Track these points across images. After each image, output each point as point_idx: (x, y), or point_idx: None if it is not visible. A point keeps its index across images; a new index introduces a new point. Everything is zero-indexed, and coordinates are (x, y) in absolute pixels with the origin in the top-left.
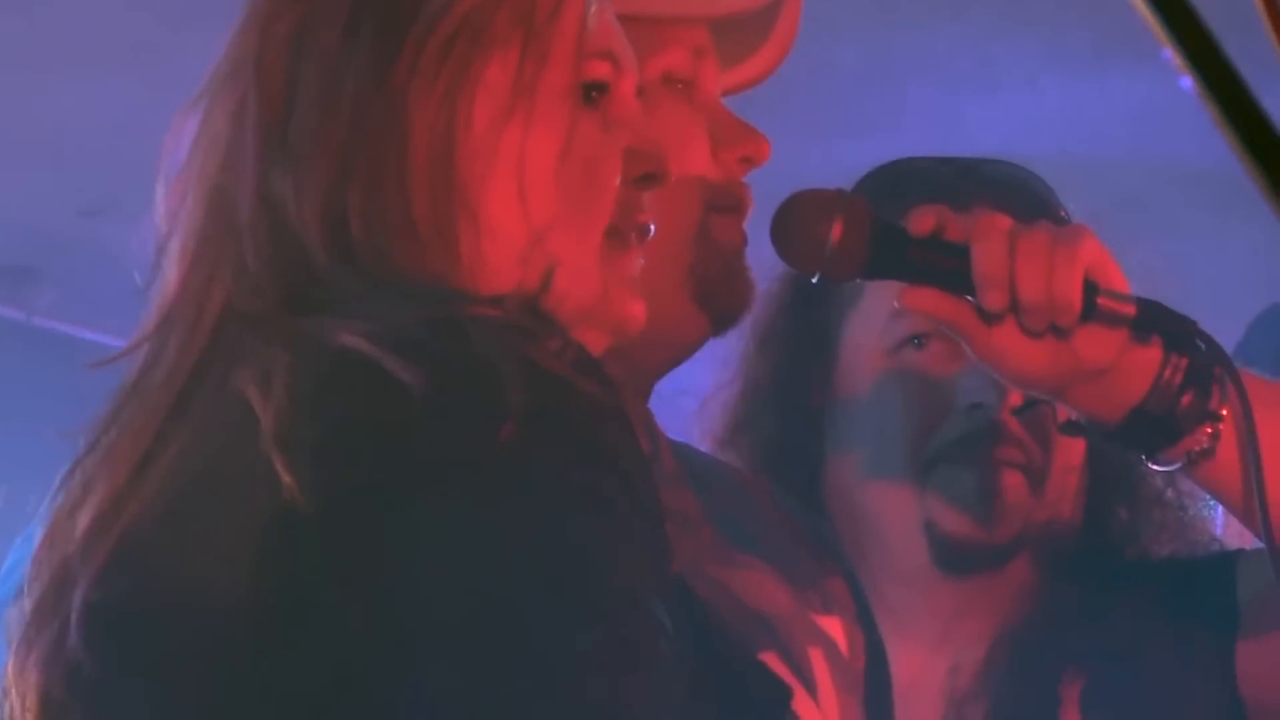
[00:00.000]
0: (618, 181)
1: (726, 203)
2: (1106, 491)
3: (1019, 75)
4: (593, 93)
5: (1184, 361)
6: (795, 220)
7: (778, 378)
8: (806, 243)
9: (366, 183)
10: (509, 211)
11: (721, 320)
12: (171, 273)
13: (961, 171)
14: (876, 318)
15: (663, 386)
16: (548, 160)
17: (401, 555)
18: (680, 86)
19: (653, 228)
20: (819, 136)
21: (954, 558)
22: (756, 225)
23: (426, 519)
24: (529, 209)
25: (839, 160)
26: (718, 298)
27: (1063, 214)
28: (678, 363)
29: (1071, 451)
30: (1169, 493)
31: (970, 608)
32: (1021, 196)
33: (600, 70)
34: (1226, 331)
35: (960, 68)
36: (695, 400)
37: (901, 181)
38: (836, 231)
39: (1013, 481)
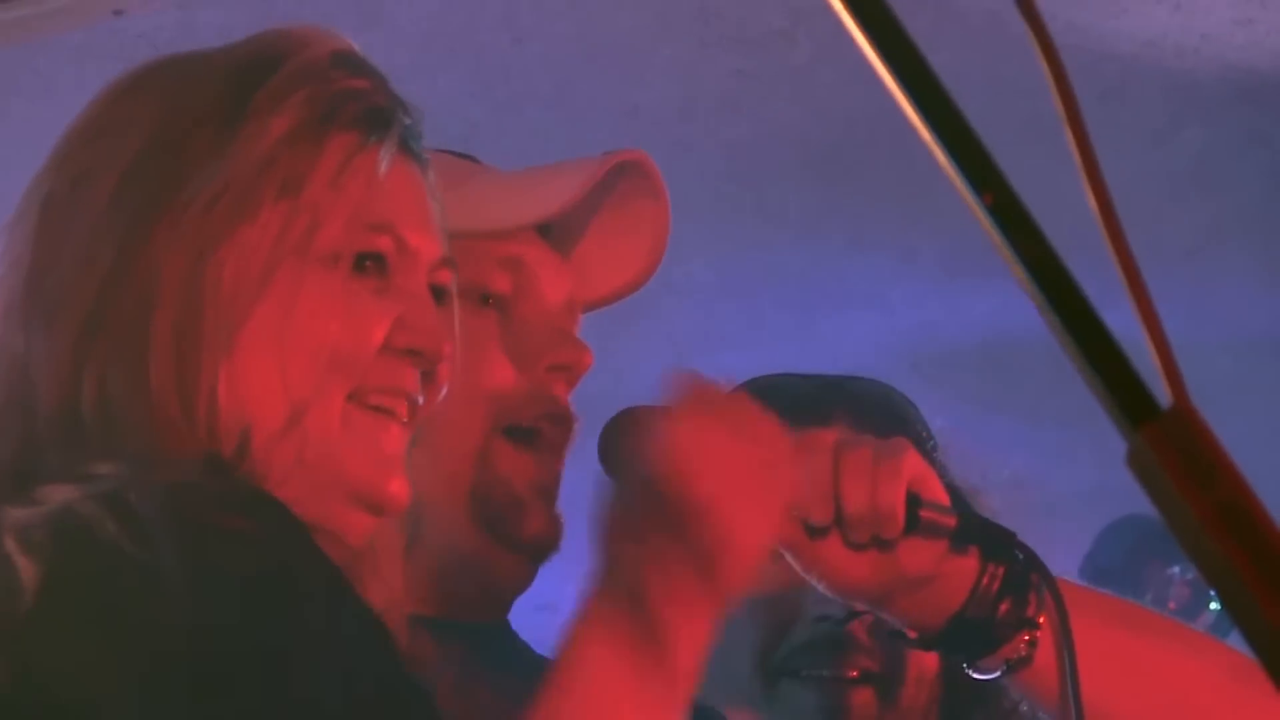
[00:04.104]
0: (375, 346)
1: (532, 415)
2: (961, 705)
3: (870, 291)
4: (366, 261)
5: (1000, 570)
6: (614, 437)
7: None
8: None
9: (107, 350)
10: (267, 381)
11: (527, 551)
12: None
13: (822, 388)
14: None
15: (524, 601)
16: (303, 325)
17: None
18: (487, 300)
19: (420, 400)
20: (675, 352)
21: None
22: None
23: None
24: (288, 379)
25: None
26: (505, 527)
27: (923, 432)
28: (509, 591)
29: (925, 662)
30: (1024, 706)
31: None
32: (880, 413)
33: (378, 242)
34: (1074, 541)
35: (813, 284)
36: (558, 615)
37: (762, 396)
38: None
39: (861, 696)
